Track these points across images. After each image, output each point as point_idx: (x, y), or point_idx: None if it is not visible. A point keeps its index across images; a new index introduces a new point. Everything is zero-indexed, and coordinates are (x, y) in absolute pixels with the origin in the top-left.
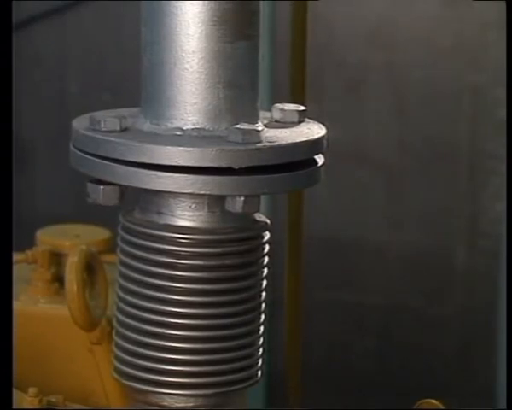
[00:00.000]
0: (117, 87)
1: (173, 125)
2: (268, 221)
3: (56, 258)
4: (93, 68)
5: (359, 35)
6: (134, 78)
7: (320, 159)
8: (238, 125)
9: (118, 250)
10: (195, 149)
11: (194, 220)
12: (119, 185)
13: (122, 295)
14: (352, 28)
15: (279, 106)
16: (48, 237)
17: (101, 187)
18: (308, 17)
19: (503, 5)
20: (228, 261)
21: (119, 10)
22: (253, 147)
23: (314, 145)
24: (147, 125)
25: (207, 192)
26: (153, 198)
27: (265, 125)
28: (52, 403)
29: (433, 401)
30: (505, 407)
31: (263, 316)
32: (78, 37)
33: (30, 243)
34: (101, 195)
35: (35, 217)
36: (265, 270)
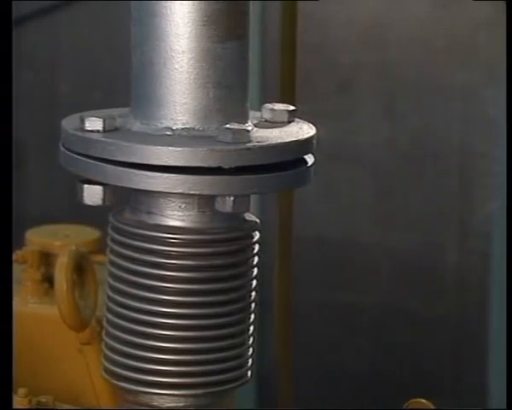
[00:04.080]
0: (109, 87)
1: (163, 125)
2: (258, 221)
3: (46, 258)
4: (85, 68)
5: (352, 35)
6: (126, 77)
7: (310, 159)
8: (228, 125)
9: (107, 250)
10: (185, 148)
11: (183, 220)
12: (107, 185)
13: (111, 295)
14: (344, 28)
15: (269, 106)
16: (38, 237)
17: (85, 186)
18: (300, 17)
19: (495, 5)
20: (218, 261)
21: (111, 10)
22: (242, 147)
23: (304, 145)
24: (137, 125)
25: (197, 192)
26: (143, 198)
27: (255, 125)
28: (42, 403)
29: (423, 400)
30: (497, 407)
31: (253, 316)
32: (70, 37)
33: (20, 243)
34: (84, 194)
35: (26, 217)
36: (255, 270)
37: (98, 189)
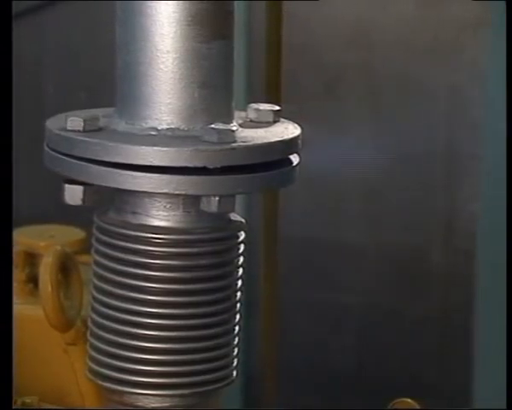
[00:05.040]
0: (95, 87)
1: (148, 125)
2: (243, 221)
3: (31, 258)
4: (70, 68)
5: (337, 35)
6: (112, 77)
7: (295, 159)
8: (213, 125)
9: (92, 250)
10: (170, 148)
11: (169, 220)
12: (88, 185)
13: (96, 295)
14: (330, 28)
15: (254, 106)
16: (22, 237)
17: (66, 186)
18: (285, 17)
19: (480, 6)
20: (203, 261)
21: (97, 10)
22: (227, 147)
23: (289, 145)
24: (121, 125)
25: (182, 192)
26: (127, 198)
27: (240, 125)
28: (27, 404)
29: (409, 400)
30: (482, 407)
31: (238, 316)
32: (56, 37)
33: None
34: (65, 194)
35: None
36: (241, 270)
37: (78, 189)
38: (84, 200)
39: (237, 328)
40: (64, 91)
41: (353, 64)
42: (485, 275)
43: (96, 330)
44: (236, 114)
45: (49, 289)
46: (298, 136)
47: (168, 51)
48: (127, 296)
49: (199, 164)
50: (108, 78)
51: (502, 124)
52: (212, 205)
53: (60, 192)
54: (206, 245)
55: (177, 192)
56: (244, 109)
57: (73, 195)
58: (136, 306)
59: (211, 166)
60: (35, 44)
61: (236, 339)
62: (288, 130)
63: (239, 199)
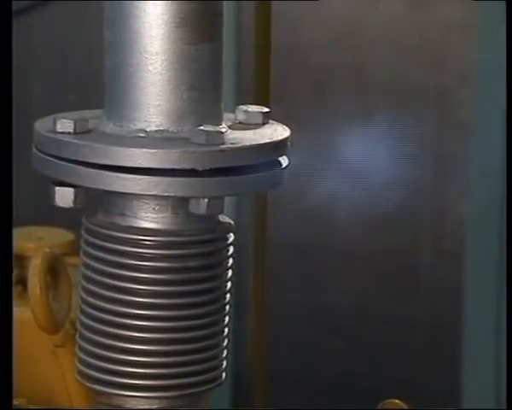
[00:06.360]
0: (84, 88)
1: (136, 127)
2: (232, 223)
3: (20, 261)
4: (59, 69)
5: (327, 36)
6: (100, 79)
7: (284, 160)
8: (202, 127)
9: (80, 252)
10: (158, 150)
11: (157, 222)
12: (80, 187)
13: (85, 297)
14: (319, 29)
15: (243, 107)
16: None
17: (57, 188)
18: (273, 19)
19: (468, 6)
20: (192, 263)
21: (86, 11)
22: (216, 148)
23: (278, 147)
24: (110, 127)
25: (171, 194)
26: (116, 200)
27: (229, 127)
28: (15, 406)
29: (397, 400)
30: (470, 408)
31: (227, 318)
32: (44, 38)
33: None
34: (56, 196)
35: None
36: (230, 271)
37: (69, 191)
38: (75, 202)
39: (226, 330)
40: (52, 93)
41: (343, 65)
42: (473, 277)
43: (84, 332)
44: (225, 115)
45: (38, 291)
46: (287, 138)
47: (157, 53)
48: (116, 298)
49: (187, 166)
50: (98, 79)
51: (491, 125)
52: (200, 207)
53: (47, 194)
54: (195, 247)
55: (165, 194)
56: (233, 111)
57: (64, 197)
58: (124, 308)
59: (199, 168)
60: (25, 44)
61: (226, 341)
62: (277, 132)
63: (228, 201)
